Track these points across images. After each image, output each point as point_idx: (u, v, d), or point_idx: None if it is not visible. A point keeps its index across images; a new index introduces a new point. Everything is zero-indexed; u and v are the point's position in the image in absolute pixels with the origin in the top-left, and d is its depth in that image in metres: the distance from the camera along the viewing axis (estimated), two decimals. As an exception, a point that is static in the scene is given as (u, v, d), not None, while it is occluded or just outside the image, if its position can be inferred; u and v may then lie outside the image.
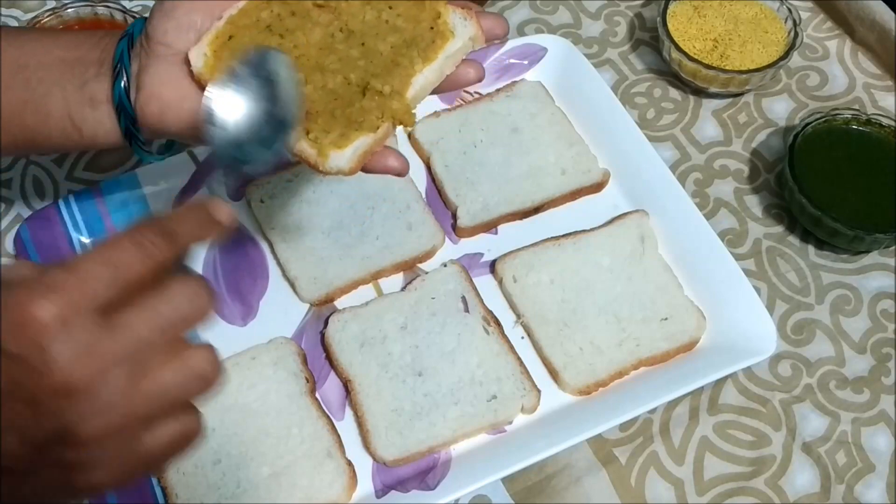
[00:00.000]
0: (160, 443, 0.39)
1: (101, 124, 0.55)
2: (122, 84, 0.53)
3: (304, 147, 0.51)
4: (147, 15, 0.55)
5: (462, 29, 0.54)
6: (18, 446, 0.37)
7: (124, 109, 0.54)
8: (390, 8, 0.54)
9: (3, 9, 0.85)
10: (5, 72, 0.54)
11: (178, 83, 0.53)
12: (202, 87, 0.52)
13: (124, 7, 0.78)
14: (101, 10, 0.77)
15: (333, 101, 0.52)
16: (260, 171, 0.58)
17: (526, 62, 0.79)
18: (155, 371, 0.38)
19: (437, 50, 0.53)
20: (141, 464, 0.40)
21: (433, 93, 0.55)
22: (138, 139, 0.55)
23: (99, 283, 0.37)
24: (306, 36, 0.53)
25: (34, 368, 0.36)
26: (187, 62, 0.52)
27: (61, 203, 0.70)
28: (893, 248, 0.73)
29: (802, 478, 0.63)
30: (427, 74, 0.53)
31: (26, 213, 0.72)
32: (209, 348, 0.40)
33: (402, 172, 0.56)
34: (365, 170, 0.53)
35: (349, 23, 0.53)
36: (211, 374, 0.40)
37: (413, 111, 0.53)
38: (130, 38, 0.54)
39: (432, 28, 0.54)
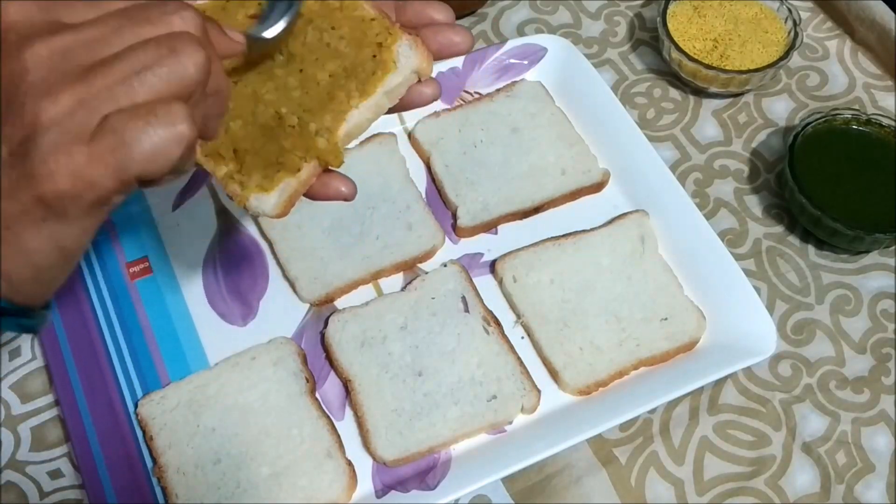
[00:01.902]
0: (128, 122, 0.34)
1: None
2: None
3: (234, 188, 0.48)
4: None
5: (405, 60, 0.49)
6: None
7: None
8: (333, 28, 0.50)
9: (3, 9, 0.85)
10: None
11: None
12: None
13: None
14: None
15: (261, 137, 0.48)
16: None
17: (526, 62, 0.79)
18: (125, 50, 0.35)
19: (376, 83, 0.49)
20: (106, 143, 0.34)
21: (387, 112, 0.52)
22: None
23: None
24: (246, 58, 0.49)
25: None
26: None
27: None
28: (893, 248, 0.73)
29: (802, 478, 0.63)
30: (363, 110, 0.49)
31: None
32: (188, 33, 0.36)
33: (349, 197, 0.52)
34: (310, 196, 0.51)
35: (290, 45, 0.49)
36: (187, 47, 0.36)
37: (341, 150, 0.49)
38: None
39: (374, 56, 0.49)
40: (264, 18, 0.47)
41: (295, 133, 0.48)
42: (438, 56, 0.51)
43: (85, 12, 0.36)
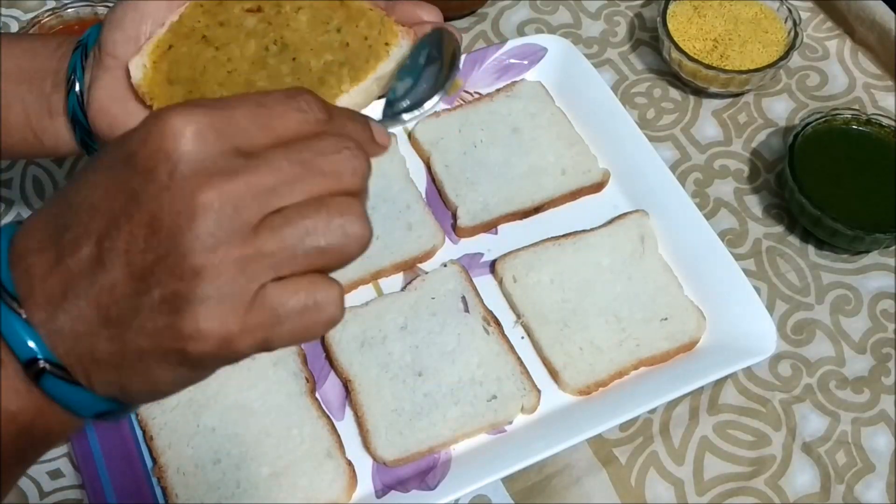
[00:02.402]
0: (288, 301, 0.34)
1: (61, 135, 0.54)
2: (75, 97, 0.52)
3: None
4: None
5: (397, 50, 0.50)
6: (125, 281, 0.33)
7: (78, 122, 0.53)
8: (328, 21, 0.50)
9: (3, 9, 0.85)
10: None
11: (125, 98, 0.52)
12: (141, 100, 0.51)
13: (124, 7, 0.78)
14: (101, 9, 0.77)
15: None
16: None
17: (526, 62, 0.79)
18: (292, 211, 0.34)
19: (368, 71, 0.49)
20: (260, 317, 0.34)
21: None
22: (94, 150, 0.55)
23: (246, 118, 0.34)
24: (241, 49, 0.50)
25: (159, 185, 0.32)
26: (128, 74, 0.51)
27: (61, 203, 0.70)
28: (893, 248, 0.73)
29: (802, 478, 0.63)
30: (353, 95, 0.49)
31: (26, 213, 0.72)
32: (355, 201, 0.35)
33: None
34: None
35: (285, 35, 0.50)
36: (354, 229, 0.34)
37: None
38: (84, 49, 0.53)
39: (369, 46, 0.50)
40: (403, 86, 0.47)
41: None
42: None
43: (259, 137, 0.34)
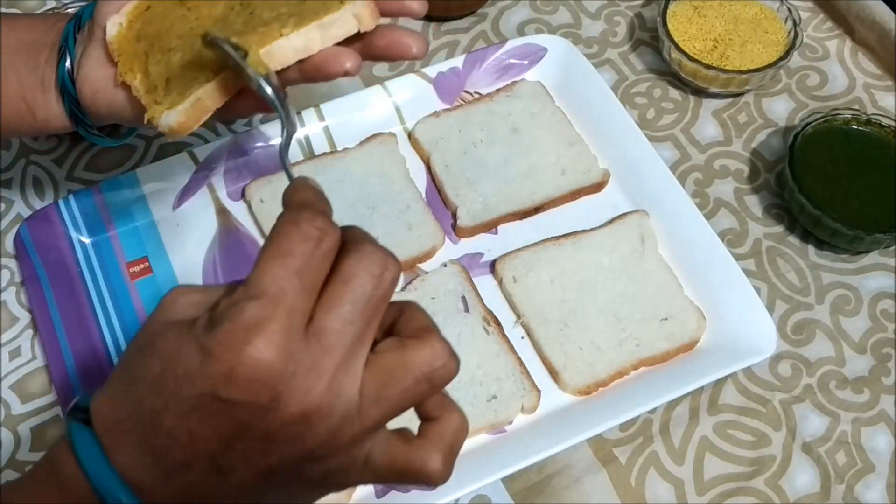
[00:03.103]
0: (419, 463, 0.39)
1: (52, 108, 0.55)
2: (66, 67, 0.53)
3: (151, 111, 0.48)
4: None
5: (350, 5, 0.47)
6: (251, 480, 0.36)
7: (67, 92, 0.53)
8: None
9: (2, 8, 0.85)
10: None
11: (106, 65, 0.53)
12: (112, 59, 0.51)
13: (124, 7, 0.78)
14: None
15: (193, 63, 0.49)
16: None
17: (526, 62, 0.79)
18: (375, 368, 0.36)
19: (313, 18, 0.47)
20: (399, 477, 0.39)
21: (306, 80, 0.49)
22: (84, 122, 0.55)
23: (293, 297, 0.35)
24: (209, 9, 0.51)
25: (263, 407, 0.34)
26: (106, 54, 0.52)
27: (61, 203, 0.70)
28: (893, 248, 0.73)
29: (802, 478, 0.63)
30: (291, 39, 0.46)
31: (26, 213, 0.72)
32: (432, 330, 0.38)
33: (351, 72, 0.48)
34: (307, 74, 0.48)
35: None
36: (443, 360, 0.37)
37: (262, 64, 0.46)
38: (78, 21, 0.54)
39: (325, 2, 0.47)
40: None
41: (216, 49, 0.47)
42: (388, 54, 0.49)
43: (308, 304, 0.36)
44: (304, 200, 0.38)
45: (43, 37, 0.55)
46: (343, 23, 0.48)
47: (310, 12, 0.48)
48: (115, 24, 0.52)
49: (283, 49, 0.46)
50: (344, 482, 0.38)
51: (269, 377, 0.34)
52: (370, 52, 0.49)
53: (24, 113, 0.55)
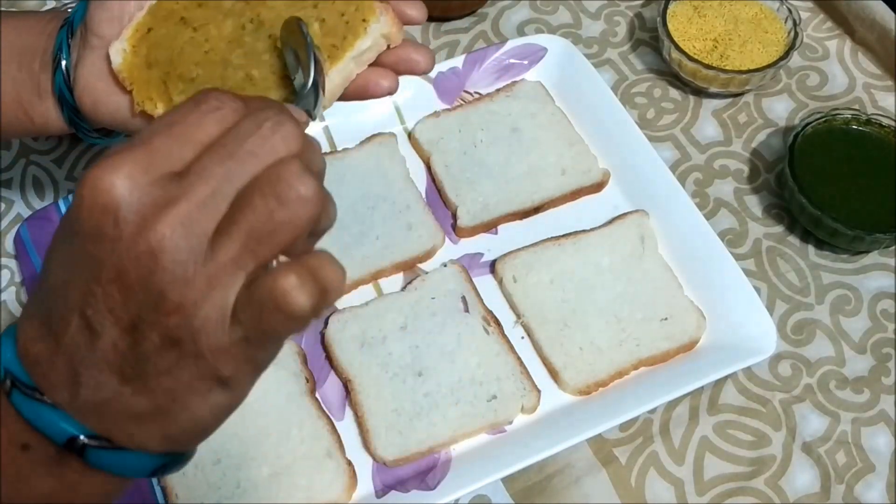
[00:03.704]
0: (277, 283, 0.33)
1: (50, 114, 0.55)
2: (61, 75, 0.53)
3: None
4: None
5: (375, 26, 0.49)
6: (120, 335, 0.34)
7: (65, 101, 0.53)
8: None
9: (2, 9, 0.85)
10: None
11: (109, 77, 0.52)
12: (121, 84, 0.51)
13: (124, 7, 0.78)
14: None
15: None
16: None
17: (526, 62, 0.79)
18: (237, 208, 0.34)
19: (346, 48, 0.48)
20: (261, 317, 0.34)
21: (340, 99, 0.51)
22: (83, 128, 0.55)
23: (166, 143, 0.34)
24: (218, 29, 0.50)
25: (110, 240, 0.33)
26: (108, 57, 0.51)
27: (61, 203, 0.70)
28: (893, 248, 0.73)
29: (802, 478, 0.63)
30: (332, 77, 0.49)
31: (26, 213, 0.72)
32: (295, 162, 0.34)
33: (391, 91, 0.51)
34: (349, 97, 0.50)
35: (261, 13, 0.50)
36: (306, 191, 0.34)
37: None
38: (70, 27, 0.53)
39: (346, 22, 0.48)
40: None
41: (285, 86, 0.48)
42: (398, 70, 0.51)
43: (186, 152, 0.35)
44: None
45: (35, 41, 0.54)
46: (376, 47, 0.49)
47: (335, 36, 0.48)
48: (118, 52, 0.51)
49: (328, 87, 0.48)
50: (215, 346, 0.34)
51: (110, 202, 0.33)
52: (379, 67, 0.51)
53: (23, 118, 0.55)
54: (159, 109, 0.50)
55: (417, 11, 0.51)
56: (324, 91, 0.46)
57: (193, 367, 0.34)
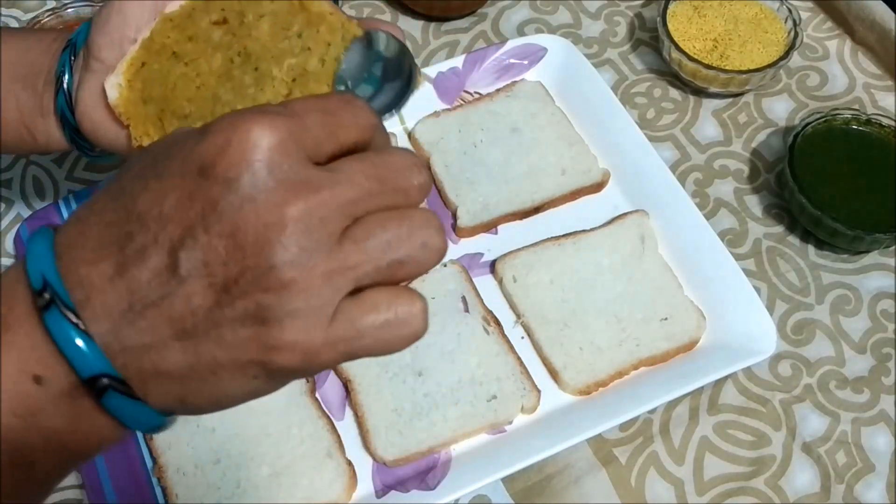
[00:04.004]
0: (366, 310, 0.33)
1: (52, 133, 0.55)
2: (63, 97, 0.53)
3: None
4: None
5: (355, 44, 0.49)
6: (204, 293, 0.32)
7: (67, 121, 0.53)
8: (288, 27, 0.49)
9: (3, 9, 0.85)
10: None
11: (107, 107, 0.52)
12: (118, 118, 0.51)
13: (124, 7, 0.78)
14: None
15: None
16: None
17: (526, 62, 0.79)
18: (374, 223, 0.33)
19: (331, 75, 0.49)
20: (343, 330, 0.33)
21: None
22: (84, 147, 0.55)
23: (317, 126, 0.33)
24: (208, 63, 0.50)
25: (243, 193, 0.31)
26: (104, 92, 0.51)
27: (61, 203, 0.70)
28: (893, 248, 0.73)
29: (802, 478, 0.63)
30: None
31: (26, 213, 0.72)
32: (431, 211, 0.35)
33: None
34: None
35: (248, 45, 0.50)
36: (434, 241, 0.34)
37: None
38: (73, 49, 0.53)
39: (334, 55, 0.49)
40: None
41: None
42: None
43: (327, 145, 0.34)
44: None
45: (40, 60, 0.54)
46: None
47: (319, 66, 0.48)
48: (114, 87, 0.51)
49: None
50: (298, 340, 0.33)
51: (259, 155, 0.32)
52: None
53: (25, 136, 0.55)
54: None
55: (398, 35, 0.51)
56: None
57: (258, 350, 0.33)
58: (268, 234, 0.32)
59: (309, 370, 0.34)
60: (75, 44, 0.53)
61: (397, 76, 0.48)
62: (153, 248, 0.32)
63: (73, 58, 0.53)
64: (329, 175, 0.33)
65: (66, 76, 0.53)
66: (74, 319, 0.32)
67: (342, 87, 0.47)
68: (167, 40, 0.50)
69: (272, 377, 0.34)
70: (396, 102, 0.47)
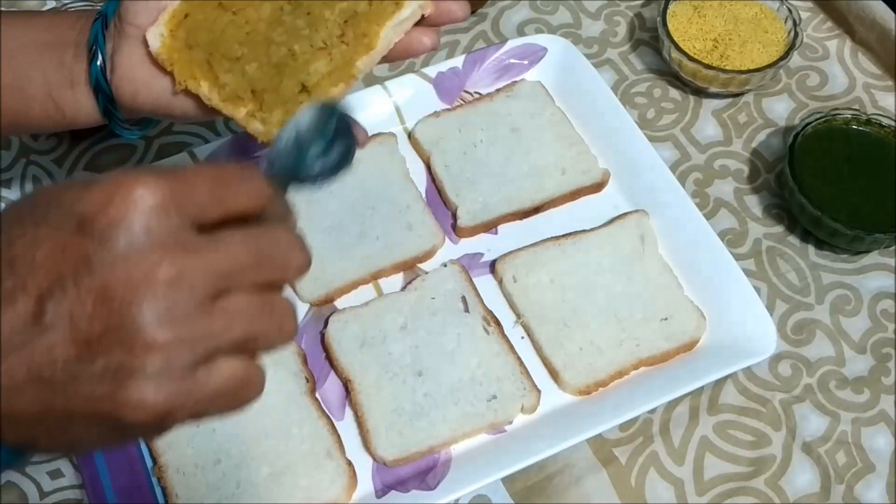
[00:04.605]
0: (219, 377, 0.34)
1: (81, 104, 0.55)
2: (98, 65, 0.54)
3: (255, 126, 0.51)
4: None
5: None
6: (66, 345, 0.32)
7: (101, 90, 0.54)
8: None
9: (2, 9, 0.85)
10: None
11: (148, 64, 0.54)
12: (162, 67, 0.53)
13: (124, 7, 0.78)
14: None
15: (278, 76, 0.51)
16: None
17: (526, 62, 0.79)
18: (238, 296, 0.34)
19: (385, 19, 0.52)
20: (197, 392, 0.34)
21: (382, 61, 0.54)
22: (117, 117, 0.56)
23: (204, 192, 0.34)
24: (257, 11, 0.53)
25: (114, 249, 0.32)
26: (145, 42, 0.53)
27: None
28: (893, 248, 0.73)
29: (802, 478, 0.63)
30: (374, 55, 0.53)
31: (26, 213, 0.72)
32: (291, 302, 0.37)
33: (433, 47, 0.54)
34: (393, 58, 0.54)
35: None
36: (289, 326, 0.36)
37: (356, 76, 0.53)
38: (104, 19, 0.55)
39: None
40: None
41: (323, 56, 0.51)
42: (436, 21, 0.54)
43: (212, 211, 0.35)
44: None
45: (64, 35, 0.55)
46: (413, 17, 0.53)
47: (371, 10, 0.52)
48: (156, 36, 0.53)
49: (372, 58, 0.52)
50: (159, 401, 0.33)
51: (129, 212, 0.32)
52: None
53: (52, 110, 0.56)
54: (203, 87, 0.52)
55: (459, 8, 0.54)
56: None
57: (111, 406, 0.33)
58: (135, 293, 0.32)
59: (160, 428, 0.35)
60: (105, 15, 0.55)
61: (345, 137, 0.48)
62: (21, 293, 0.33)
63: (104, 28, 0.54)
64: (206, 242, 0.34)
65: (100, 45, 0.54)
66: None
67: (293, 141, 0.47)
68: None
69: (125, 431, 0.35)
70: (342, 162, 0.47)
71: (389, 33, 0.52)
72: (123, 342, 0.32)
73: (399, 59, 0.55)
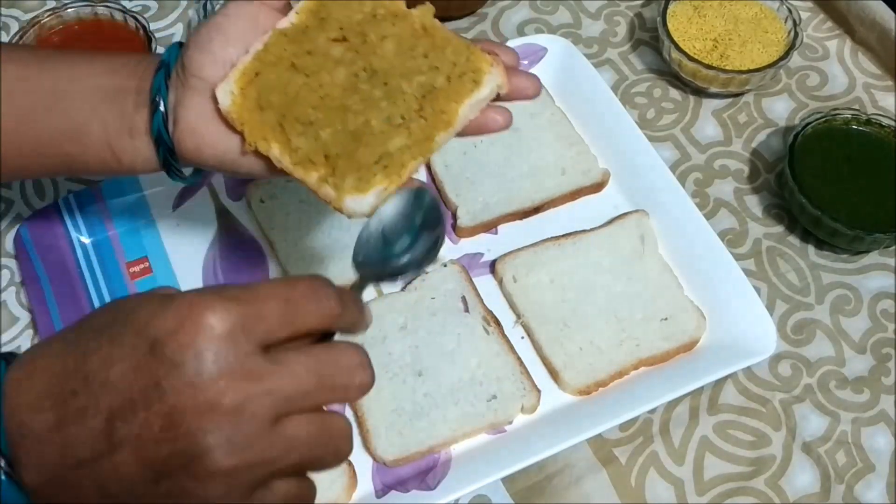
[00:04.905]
0: (274, 498, 0.37)
1: (140, 153, 0.54)
2: (160, 117, 0.52)
3: (327, 191, 0.50)
4: (159, 24, 0.54)
5: (489, 77, 0.52)
6: (133, 464, 0.34)
7: (163, 142, 0.53)
8: (416, 48, 0.52)
9: (3, 9, 0.85)
10: (44, 101, 0.53)
11: (215, 119, 0.52)
12: (230, 125, 0.51)
13: (124, 7, 0.78)
14: (101, 9, 0.77)
15: (352, 143, 0.50)
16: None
17: (526, 62, 0.79)
18: (298, 420, 0.36)
19: (464, 97, 0.51)
20: None
21: (458, 136, 0.54)
22: (175, 168, 0.55)
23: (273, 316, 0.35)
24: (330, 76, 0.51)
25: (184, 375, 0.33)
26: (215, 99, 0.51)
27: (61, 203, 0.70)
28: (893, 248, 0.73)
29: (802, 478, 0.63)
30: (451, 132, 0.53)
31: (26, 213, 0.72)
32: (348, 422, 0.39)
33: (505, 126, 0.54)
34: (466, 134, 0.54)
35: (373, 62, 0.51)
36: (345, 449, 0.38)
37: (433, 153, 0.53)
38: (167, 68, 0.53)
39: (461, 73, 0.52)
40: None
41: (402, 131, 0.50)
42: (509, 98, 0.53)
43: (280, 332, 0.36)
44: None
45: (126, 82, 0.54)
46: (489, 96, 0.52)
47: (448, 87, 0.51)
48: (226, 93, 0.51)
49: (450, 134, 0.53)
50: None
51: (201, 340, 0.33)
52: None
53: (109, 158, 0.54)
54: (274, 150, 0.50)
55: (533, 88, 0.54)
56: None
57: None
58: (201, 420, 0.33)
59: None
60: (168, 64, 0.53)
61: (433, 229, 0.49)
62: (93, 410, 0.34)
63: (167, 80, 0.53)
64: (271, 366, 0.35)
65: (163, 96, 0.52)
66: (5, 466, 0.34)
67: (381, 237, 0.48)
68: (284, 53, 0.51)
69: None
70: (429, 254, 0.48)
71: (467, 111, 0.52)
72: (187, 467, 0.34)
73: (471, 135, 0.55)
